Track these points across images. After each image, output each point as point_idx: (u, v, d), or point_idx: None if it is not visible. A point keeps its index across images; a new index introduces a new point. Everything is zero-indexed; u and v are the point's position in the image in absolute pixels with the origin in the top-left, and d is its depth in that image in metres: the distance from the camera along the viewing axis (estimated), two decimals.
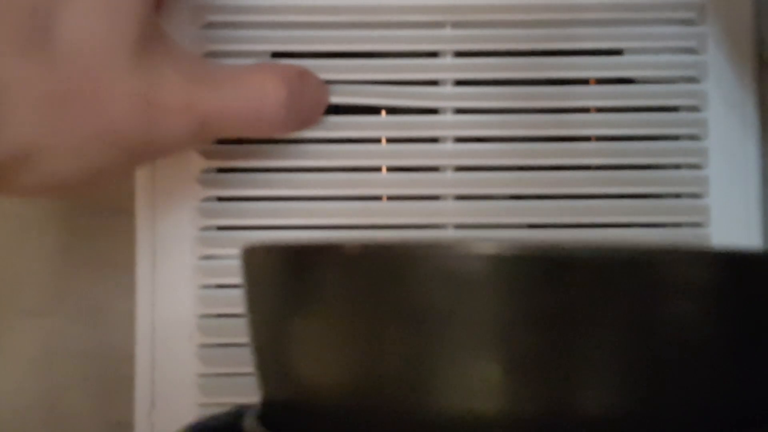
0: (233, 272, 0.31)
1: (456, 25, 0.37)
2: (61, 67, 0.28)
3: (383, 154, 0.37)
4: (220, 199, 0.37)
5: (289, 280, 0.21)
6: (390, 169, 0.37)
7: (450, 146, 0.37)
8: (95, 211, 0.38)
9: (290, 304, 0.20)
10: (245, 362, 0.26)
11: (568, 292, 0.17)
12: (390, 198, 0.37)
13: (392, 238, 0.35)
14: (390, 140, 0.37)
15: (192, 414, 0.35)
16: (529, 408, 0.17)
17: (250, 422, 0.22)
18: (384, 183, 0.37)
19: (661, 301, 0.18)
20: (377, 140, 0.37)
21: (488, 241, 0.18)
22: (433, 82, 0.37)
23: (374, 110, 0.37)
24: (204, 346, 0.36)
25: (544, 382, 0.18)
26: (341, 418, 0.19)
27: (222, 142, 0.36)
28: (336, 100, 0.36)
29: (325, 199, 0.37)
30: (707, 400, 0.19)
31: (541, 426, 0.17)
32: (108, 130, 0.29)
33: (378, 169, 0.37)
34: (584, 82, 0.37)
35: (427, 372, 0.18)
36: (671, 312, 0.18)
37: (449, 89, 0.37)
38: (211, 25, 0.37)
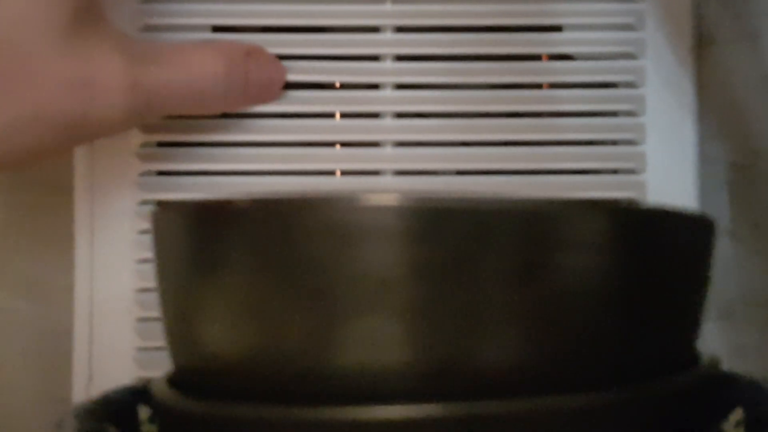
0: None
1: (396, 0, 0.37)
2: None
3: (325, 129, 0.37)
4: (160, 173, 0.37)
5: (189, 238, 0.21)
6: (329, 144, 0.37)
7: (390, 122, 0.37)
8: (34, 186, 0.38)
9: (191, 263, 0.21)
10: None
11: (453, 244, 0.18)
12: (328, 173, 0.37)
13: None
14: (327, 115, 0.37)
15: None
16: (424, 359, 0.18)
17: (158, 385, 0.22)
18: (325, 158, 0.37)
19: (544, 252, 0.18)
20: (319, 115, 0.37)
21: (373, 194, 0.18)
22: (374, 57, 0.37)
23: (314, 85, 0.37)
24: (142, 320, 0.36)
25: (436, 334, 0.18)
26: (245, 376, 0.19)
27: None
28: None
29: (264, 174, 0.36)
30: (597, 351, 0.19)
31: (437, 376, 0.18)
32: (40, 111, 0.29)
33: (320, 144, 0.37)
34: (523, 58, 0.37)
35: (322, 326, 0.18)
36: (555, 263, 0.18)
37: (389, 64, 0.37)
38: (147, 1, 0.36)
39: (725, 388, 0.24)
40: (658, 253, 0.20)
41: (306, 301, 0.18)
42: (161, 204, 0.23)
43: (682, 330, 0.22)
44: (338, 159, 0.37)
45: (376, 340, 0.18)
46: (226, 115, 0.36)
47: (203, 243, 0.20)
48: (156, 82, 0.32)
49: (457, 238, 0.18)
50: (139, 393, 0.25)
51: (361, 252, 0.18)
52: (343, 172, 0.37)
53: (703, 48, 0.38)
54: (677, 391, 0.21)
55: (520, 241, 0.18)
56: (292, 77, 0.37)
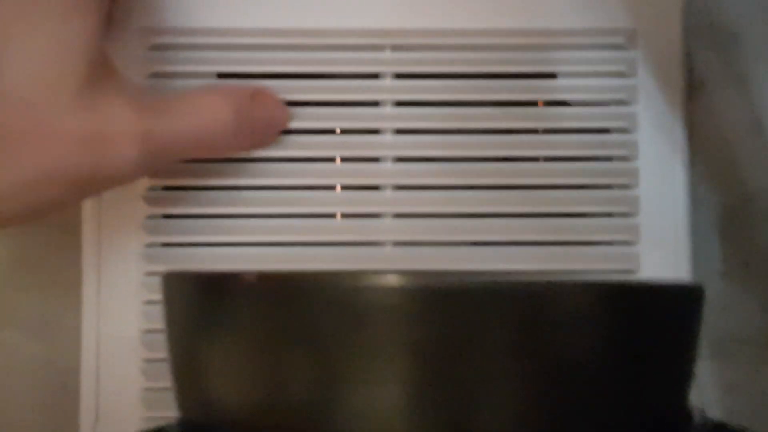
0: None
1: (395, 47, 0.38)
2: (4, 109, 0.29)
3: (329, 174, 0.38)
4: (166, 216, 0.38)
5: (199, 306, 0.22)
6: (329, 187, 0.38)
7: (390, 166, 0.38)
8: (43, 226, 0.39)
9: (200, 328, 0.21)
10: None
11: (450, 323, 0.19)
12: (328, 215, 0.38)
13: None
14: (328, 159, 0.38)
15: (135, 428, 0.36)
16: (422, 430, 0.19)
17: None
18: (328, 201, 0.38)
19: (536, 331, 0.19)
20: (322, 159, 0.38)
21: (374, 274, 0.19)
22: (374, 103, 0.38)
23: (316, 130, 0.38)
24: (148, 360, 0.37)
25: (434, 407, 0.19)
26: None
27: None
28: None
29: (268, 217, 0.37)
30: (591, 421, 0.20)
31: None
32: (55, 168, 0.30)
33: (324, 188, 0.38)
34: (520, 104, 0.38)
35: (322, 396, 0.19)
36: (548, 340, 0.19)
37: (389, 110, 0.38)
38: (156, 47, 0.37)
39: None
40: (647, 326, 0.21)
41: (309, 371, 0.19)
42: (171, 273, 0.24)
43: (674, 393, 0.23)
44: (339, 202, 0.38)
45: (376, 411, 0.19)
46: (229, 160, 0.37)
47: (212, 313, 0.21)
48: (167, 133, 0.32)
49: (454, 318, 0.19)
50: None
51: (362, 328, 0.19)
52: (343, 215, 0.38)
53: (694, 93, 0.39)
54: None
55: (514, 320, 0.19)
56: (294, 123, 0.38)
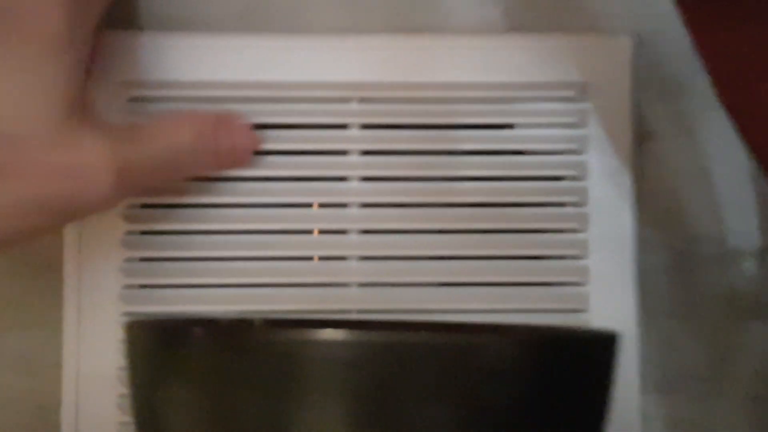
0: None
1: (362, 100, 0.40)
2: None
3: (298, 218, 0.40)
4: (143, 259, 0.40)
5: (156, 353, 0.24)
6: (300, 232, 0.40)
7: (356, 211, 0.40)
8: (25, 265, 0.41)
9: (155, 373, 0.24)
10: None
11: (380, 371, 0.21)
12: (299, 258, 0.40)
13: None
14: (303, 205, 0.40)
15: None
16: None
17: None
18: (297, 245, 0.40)
19: (458, 377, 0.21)
20: (296, 205, 0.40)
21: (311, 328, 0.21)
22: (342, 152, 0.41)
23: (288, 178, 0.40)
24: (124, 396, 0.39)
25: None
26: None
27: (145, 206, 0.40)
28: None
29: (242, 260, 0.40)
30: None
31: None
32: (36, 197, 0.33)
33: (291, 232, 0.40)
34: (479, 153, 0.41)
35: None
36: (468, 386, 0.21)
37: (356, 158, 0.40)
38: (134, 100, 0.40)
39: None
40: (564, 371, 0.24)
41: (256, 411, 0.21)
42: (130, 322, 0.26)
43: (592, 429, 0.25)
44: (313, 246, 0.40)
45: None
46: (204, 205, 0.39)
47: (166, 358, 0.23)
48: (137, 158, 0.35)
49: (383, 368, 0.21)
50: None
51: (300, 376, 0.21)
52: (302, 258, 0.40)
53: (643, 142, 0.42)
54: None
55: (438, 368, 0.21)
56: (266, 171, 0.40)
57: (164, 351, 0.23)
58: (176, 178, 0.38)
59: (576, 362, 0.24)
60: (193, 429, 0.22)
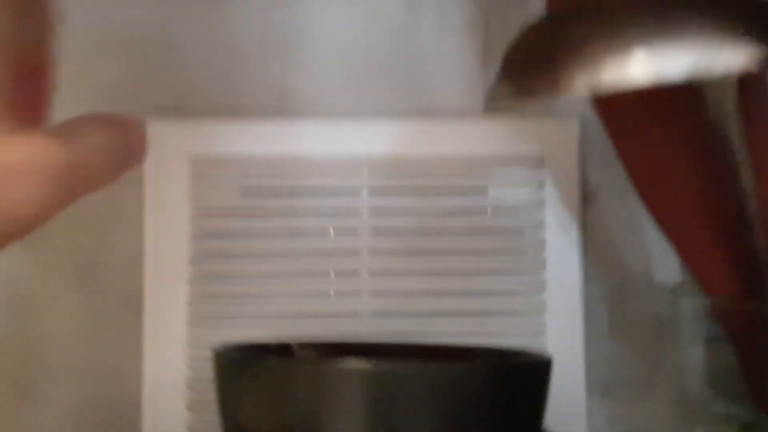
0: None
1: (371, 168, 0.53)
2: None
3: (319, 258, 0.52)
4: (206, 295, 0.52)
5: (232, 376, 0.36)
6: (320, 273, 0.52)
7: (366, 257, 0.52)
8: (109, 297, 0.53)
9: (236, 388, 0.36)
10: None
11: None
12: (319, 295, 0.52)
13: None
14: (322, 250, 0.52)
15: None
16: None
17: None
18: (317, 282, 0.52)
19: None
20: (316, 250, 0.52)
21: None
22: (355, 211, 0.53)
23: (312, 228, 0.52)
24: (193, 400, 0.50)
25: None
26: None
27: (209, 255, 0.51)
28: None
29: (277, 297, 0.52)
30: None
31: None
32: None
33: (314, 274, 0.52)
34: (460, 212, 0.53)
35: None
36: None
37: (365, 216, 0.52)
38: (199, 167, 0.52)
39: None
40: (513, 383, 0.35)
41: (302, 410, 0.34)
42: (219, 347, 0.38)
43: None
44: (330, 284, 0.52)
45: None
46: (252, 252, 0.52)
47: (238, 378, 0.35)
48: (74, 155, 0.31)
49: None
50: None
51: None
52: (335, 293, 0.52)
53: (588, 201, 0.54)
54: None
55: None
56: (297, 222, 0.52)
57: (244, 369, 0.36)
58: (108, 179, 0.33)
59: (523, 377, 0.36)
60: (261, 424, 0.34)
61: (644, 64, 0.29)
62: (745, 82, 0.37)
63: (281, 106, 0.54)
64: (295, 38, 0.54)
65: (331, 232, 0.52)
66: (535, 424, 0.37)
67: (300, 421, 0.35)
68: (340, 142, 0.53)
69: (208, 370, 0.50)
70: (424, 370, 0.34)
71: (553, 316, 0.52)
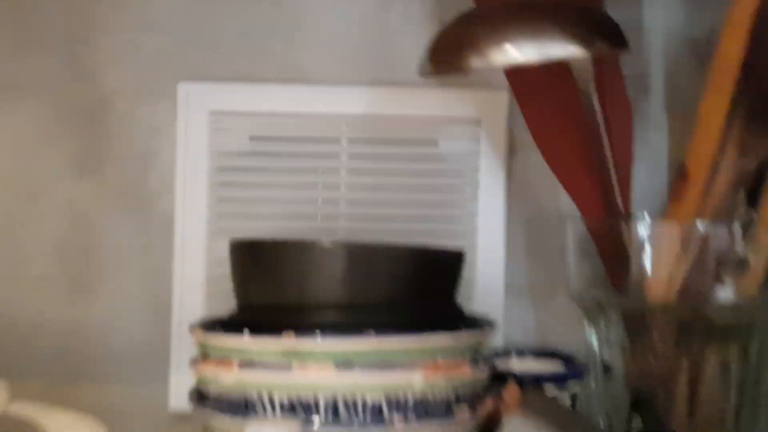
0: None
1: (348, 124, 0.70)
2: None
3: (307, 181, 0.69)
4: (224, 199, 0.69)
5: (242, 260, 0.53)
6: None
7: (345, 176, 0.69)
8: (148, 215, 0.70)
9: (246, 275, 0.54)
10: None
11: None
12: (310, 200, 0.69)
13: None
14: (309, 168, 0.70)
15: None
16: None
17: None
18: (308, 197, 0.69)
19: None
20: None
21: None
22: (336, 155, 0.70)
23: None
24: (210, 293, 0.68)
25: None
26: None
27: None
28: None
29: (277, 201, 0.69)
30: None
31: None
32: None
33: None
34: (416, 159, 0.70)
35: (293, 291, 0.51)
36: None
37: (344, 158, 0.70)
38: (216, 114, 0.69)
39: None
40: (431, 271, 0.52)
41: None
42: (233, 240, 0.56)
43: (449, 301, 0.54)
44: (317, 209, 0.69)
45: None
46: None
47: (247, 261, 0.53)
48: None
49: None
50: None
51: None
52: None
53: (513, 153, 0.71)
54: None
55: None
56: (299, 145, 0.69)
57: (251, 254, 0.53)
58: None
59: (445, 260, 0.53)
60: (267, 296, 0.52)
61: (514, 51, 0.46)
62: (599, 64, 0.55)
63: (282, 75, 0.71)
64: (293, 24, 0.71)
65: (319, 171, 0.70)
66: (451, 295, 0.54)
67: (294, 290, 0.52)
68: (326, 103, 0.70)
69: (221, 269, 0.67)
70: (380, 250, 0.51)
71: (483, 237, 0.70)
